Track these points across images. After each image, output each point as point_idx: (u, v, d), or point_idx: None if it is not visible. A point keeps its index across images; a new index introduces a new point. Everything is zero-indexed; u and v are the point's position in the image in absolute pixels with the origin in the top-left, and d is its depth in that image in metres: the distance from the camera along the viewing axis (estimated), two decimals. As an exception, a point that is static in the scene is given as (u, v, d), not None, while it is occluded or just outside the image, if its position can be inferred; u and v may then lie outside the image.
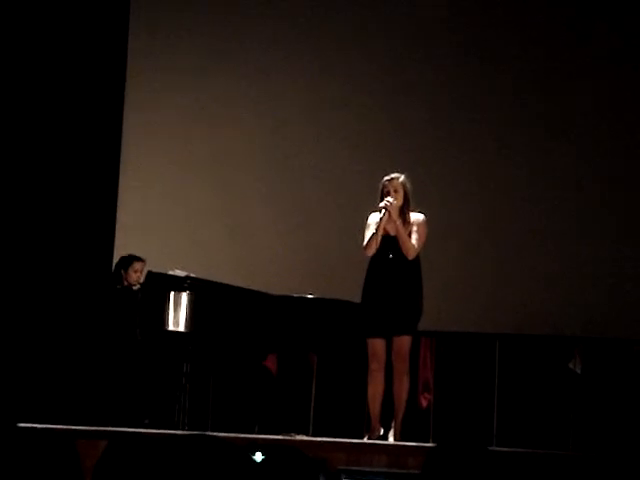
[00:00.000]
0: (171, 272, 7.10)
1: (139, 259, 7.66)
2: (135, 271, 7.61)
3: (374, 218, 6.50)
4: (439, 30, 8.57)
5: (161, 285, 7.02)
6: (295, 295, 7.24)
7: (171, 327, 6.95)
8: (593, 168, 8.24)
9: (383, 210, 6.40)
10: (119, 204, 8.70)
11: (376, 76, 8.60)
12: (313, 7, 8.78)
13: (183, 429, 6.99)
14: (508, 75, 8.44)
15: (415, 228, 6.49)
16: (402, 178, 6.52)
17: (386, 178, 6.52)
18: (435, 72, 8.53)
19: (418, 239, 6.48)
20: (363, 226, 6.55)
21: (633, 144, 8.22)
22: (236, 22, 8.86)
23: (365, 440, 6.41)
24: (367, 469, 5.25)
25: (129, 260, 7.69)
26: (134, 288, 7.50)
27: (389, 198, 6.42)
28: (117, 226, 8.64)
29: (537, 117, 8.36)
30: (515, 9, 8.50)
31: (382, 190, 6.49)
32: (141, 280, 7.47)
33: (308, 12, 8.79)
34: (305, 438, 6.56)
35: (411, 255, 6.44)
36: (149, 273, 7.24)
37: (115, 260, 7.97)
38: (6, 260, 8.49)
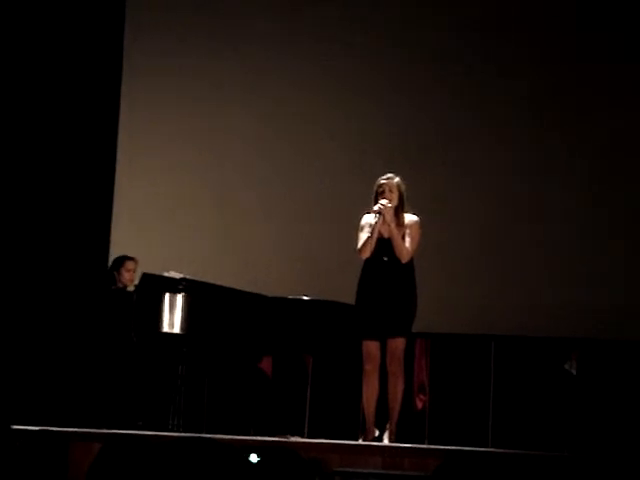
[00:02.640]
0: (166, 274, 7.09)
1: (131, 258, 7.66)
2: (127, 270, 7.61)
3: (367, 219, 6.50)
4: (440, 32, 8.57)
5: (156, 287, 7.01)
6: (290, 297, 7.24)
7: (166, 329, 6.94)
8: (593, 168, 8.24)
9: (378, 213, 6.40)
10: (115, 206, 8.70)
11: (372, 79, 8.60)
12: (312, 10, 8.78)
13: (178, 431, 6.98)
14: (507, 76, 8.44)
15: (409, 230, 6.49)
16: (397, 179, 6.52)
17: (381, 179, 6.52)
18: (431, 75, 8.53)
19: (412, 241, 6.48)
20: (357, 228, 6.55)
21: (633, 143, 8.22)
22: (236, 25, 8.85)
23: (360, 442, 6.40)
24: (362, 471, 5.25)
25: (121, 260, 7.69)
26: (128, 289, 7.49)
27: (383, 201, 6.42)
28: (113, 228, 8.64)
29: (536, 117, 8.37)
30: (515, 10, 8.50)
31: (377, 191, 6.48)
32: (134, 280, 7.47)
33: (307, 16, 8.79)
34: (300, 440, 6.55)
35: (405, 258, 6.44)
36: (144, 275, 7.23)
37: (110, 262, 7.97)
38: (0, 261, 8.47)
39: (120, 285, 7.62)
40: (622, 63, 8.23)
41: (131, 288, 7.44)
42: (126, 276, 7.60)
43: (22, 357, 8.21)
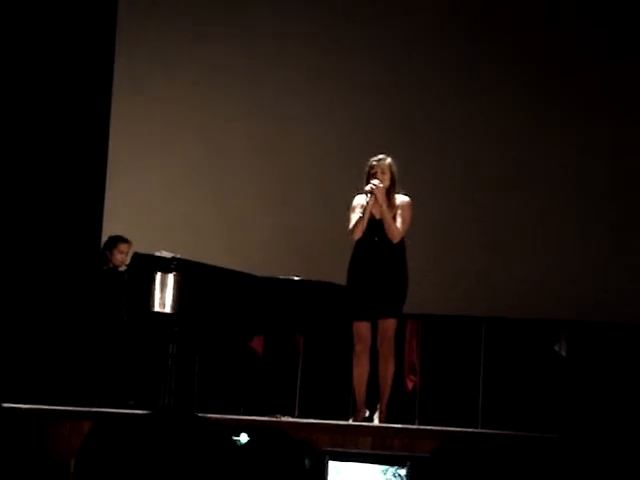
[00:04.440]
0: (158, 253, 7.08)
1: (124, 240, 7.64)
2: (120, 252, 7.59)
3: (359, 200, 6.49)
4: (434, 20, 8.56)
5: (147, 266, 7.00)
6: (281, 277, 7.24)
7: (157, 308, 6.94)
8: (584, 149, 8.25)
9: (369, 193, 6.40)
10: (107, 186, 8.69)
11: (362, 61, 8.59)
12: (309, 2, 8.77)
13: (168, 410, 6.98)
14: (497, 62, 8.44)
15: (400, 211, 6.49)
16: (389, 160, 6.51)
17: (373, 160, 6.51)
18: (424, 60, 8.52)
19: (403, 222, 6.48)
20: (349, 208, 6.55)
21: (624, 130, 8.23)
22: (233, 15, 8.83)
23: (350, 422, 6.42)
24: (352, 451, 5.26)
25: (114, 241, 7.67)
26: (120, 269, 7.49)
27: (375, 181, 6.41)
28: (105, 207, 8.63)
29: (526, 99, 8.37)
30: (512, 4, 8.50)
31: (368, 172, 6.48)
32: (125, 261, 7.46)
33: (304, 6, 8.76)
34: (291, 420, 6.57)
35: (396, 239, 6.44)
36: (135, 254, 7.22)
37: (103, 241, 7.96)
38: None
39: (111, 265, 7.62)
40: (622, 62, 8.24)
41: (123, 268, 7.43)
42: (118, 258, 7.58)
43: (13, 336, 8.21)
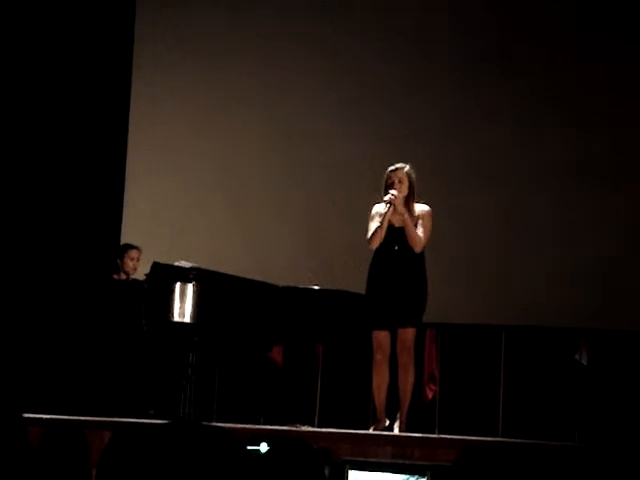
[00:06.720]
0: (177, 263, 7.09)
1: (134, 247, 7.71)
2: (131, 259, 7.65)
3: (378, 209, 6.49)
4: (446, 23, 8.56)
5: (167, 276, 7.01)
6: (300, 286, 7.24)
7: (177, 318, 6.95)
8: (597, 160, 8.22)
9: (388, 203, 6.39)
10: (126, 195, 8.72)
11: (379, 68, 8.59)
12: (319, 3, 8.78)
13: (188, 419, 6.99)
14: (512, 67, 8.43)
15: (421, 220, 6.48)
16: (407, 168, 6.50)
17: (390, 168, 6.50)
18: (438, 65, 8.52)
19: (424, 231, 6.47)
20: (368, 217, 6.54)
21: (636, 133, 8.21)
22: (242, 17, 8.86)
23: (370, 431, 6.41)
24: (372, 460, 5.26)
25: (124, 248, 7.75)
26: (132, 277, 7.53)
27: (393, 191, 6.40)
28: (124, 217, 8.66)
29: (541, 107, 8.35)
30: (519, 9, 8.50)
31: (387, 181, 6.47)
32: (137, 268, 7.53)
33: (314, 9, 8.78)
34: (310, 429, 6.56)
35: (418, 248, 6.43)
36: (155, 264, 7.24)
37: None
38: (12, 250, 8.49)
39: (123, 274, 7.67)
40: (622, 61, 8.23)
41: (135, 276, 7.47)
42: (129, 264, 7.65)
43: (33, 347, 8.23)
